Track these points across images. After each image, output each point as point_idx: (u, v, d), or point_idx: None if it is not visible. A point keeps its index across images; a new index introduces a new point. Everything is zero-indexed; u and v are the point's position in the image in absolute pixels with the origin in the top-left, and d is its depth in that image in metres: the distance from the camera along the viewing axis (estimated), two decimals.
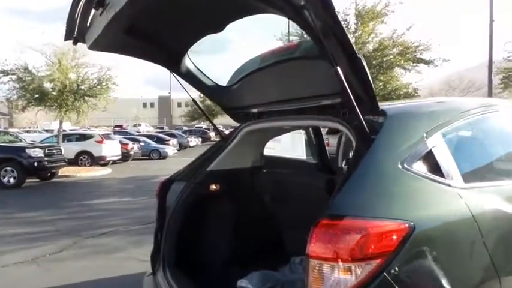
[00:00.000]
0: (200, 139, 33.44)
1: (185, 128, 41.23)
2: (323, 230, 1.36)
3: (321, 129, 3.79)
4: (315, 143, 3.79)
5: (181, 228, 2.58)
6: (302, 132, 4.23)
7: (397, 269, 1.32)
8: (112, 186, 11.85)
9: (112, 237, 5.75)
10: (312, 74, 1.99)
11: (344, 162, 3.80)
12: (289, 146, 4.13)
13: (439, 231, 1.48)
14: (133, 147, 19.35)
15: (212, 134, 38.24)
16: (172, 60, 2.44)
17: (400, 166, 1.55)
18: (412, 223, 1.38)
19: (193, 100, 2.77)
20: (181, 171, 2.74)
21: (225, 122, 20.48)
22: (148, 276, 2.57)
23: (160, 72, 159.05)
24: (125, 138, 20.88)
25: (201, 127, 43.06)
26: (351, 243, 1.33)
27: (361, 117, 1.61)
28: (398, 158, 1.58)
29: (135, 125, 45.50)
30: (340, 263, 1.32)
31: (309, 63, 1.99)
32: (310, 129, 3.40)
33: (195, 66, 2.54)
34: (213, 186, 2.73)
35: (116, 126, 40.51)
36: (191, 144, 29.44)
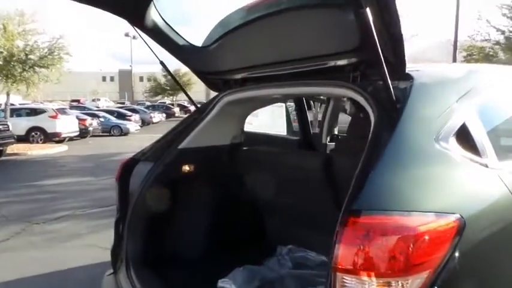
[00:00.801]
0: (164, 115, 32.26)
1: (148, 104, 39.64)
2: (354, 232, 0.99)
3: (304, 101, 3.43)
4: (299, 119, 3.44)
5: (148, 217, 2.15)
6: (283, 105, 3.84)
7: (449, 279, 0.99)
8: (68, 165, 10.99)
9: (67, 223, 5.18)
10: (315, 27, 1.58)
11: (329, 139, 3.48)
12: (269, 120, 3.74)
13: (489, 225, 1.16)
14: (92, 123, 18.20)
15: (177, 109, 37.07)
16: (136, 11, 1.93)
17: (435, 143, 1.22)
18: (461, 216, 1.05)
19: (162, 63, 2.28)
20: (146, 150, 2.28)
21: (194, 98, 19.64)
22: (108, 275, 2.14)
23: (121, 44, 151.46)
24: (83, 113, 19.63)
25: (165, 102, 41.57)
26: (390, 249, 0.97)
27: (390, 82, 1.25)
28: (432, 133, 1.25)
29: (93, 100, 43.35)
30: (377, 279, 0.97)
31: (312, 13, 1.57)
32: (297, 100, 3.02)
33: (163, 20, 2.04)
34: (186, 168, 2.30)
35: (73, 101, 38.28)
36: (154, 120, 28.34)
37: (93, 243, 4.23)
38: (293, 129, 4.12)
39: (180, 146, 2.24)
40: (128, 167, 2.19)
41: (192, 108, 3.34)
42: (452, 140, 1.26)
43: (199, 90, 19.49)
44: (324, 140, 3.48)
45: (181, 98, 42.44)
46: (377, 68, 1.27)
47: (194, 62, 2.29)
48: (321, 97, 4.15)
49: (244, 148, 2.60)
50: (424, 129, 1.26)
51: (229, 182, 2.54)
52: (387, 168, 1.14)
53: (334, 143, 3.35)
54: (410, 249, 0.96)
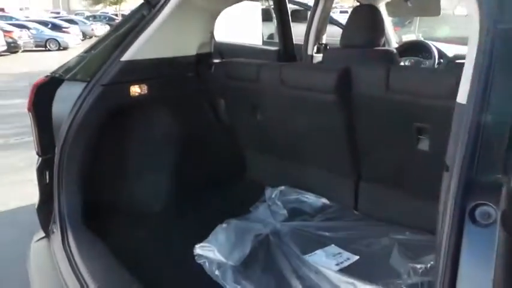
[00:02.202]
0: (107, 27, 29.01)
1: (87, 14, 35.25)
2: None
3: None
4: (279, 22, 2.71)
5: (86, 160, 1.51)
6: (258, 6, 3.03)
7: None
8: None
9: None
10: None
11: (315, 49, 2.83)
12: (242, 28, 2.95)
13: None
14: (22, 36, 15.74)
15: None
16: None
17: None
18: None
19: None
20: (73, 64, 1.54)
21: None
22: (37, 241, 1.54)
23: None
24: (9, 24, 16.85)
25: (107, 13, 37.17)
26: None
27: None
28: None
29: (21, 9, 37.75)
30: None
31: None
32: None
33: None
34: (136, 89, 1.61)
35: None
36: (97, 32, 25.34)
37: (30, 179, 3.51)
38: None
39: (124, 58, 1.52)
40: (45, 91, 1.47)
41: None
42: None
43: None
44: (309, 51, 2.82)
45: (126, 7, 38.10)
46: None
47: None
48: None
49: (216, 60, 1.91)
50: None
51: (196, 106, 1.90)
52: None
53: (321, 54, 2.71)
54: None
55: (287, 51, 2.80)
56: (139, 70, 1.58)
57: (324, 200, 1.77)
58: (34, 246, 1.54)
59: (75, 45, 18.50)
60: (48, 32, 18.32)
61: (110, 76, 1.49)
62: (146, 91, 1.64)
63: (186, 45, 1.77)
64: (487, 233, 0.59)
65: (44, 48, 17.20)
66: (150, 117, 1.74)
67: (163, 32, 1.60)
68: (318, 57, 2.78)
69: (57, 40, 17.84)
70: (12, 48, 14.85)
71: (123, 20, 1.68)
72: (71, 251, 1.37)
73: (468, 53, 0.72)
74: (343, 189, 1.72)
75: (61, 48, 17.58)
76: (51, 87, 1.48)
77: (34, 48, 16.60)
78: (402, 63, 2.60)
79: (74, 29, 21.10)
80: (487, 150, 0.63)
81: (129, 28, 1.58)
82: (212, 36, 1.92)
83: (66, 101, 1.47)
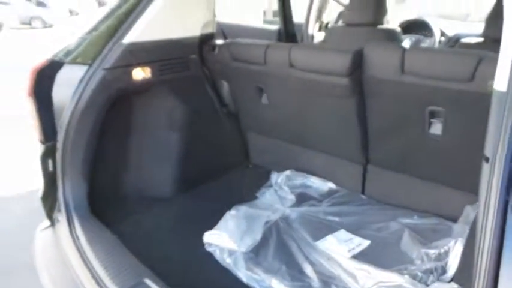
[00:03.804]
0: (96, 3, 28.01)
1: None
2: None
3: None
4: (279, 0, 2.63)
5: (90, 146, 1.47)
6: None
7: None
8: None
9: None
10: None
11: (317, 27, 2.76)
12: (241, 7, 2.85)
13: None
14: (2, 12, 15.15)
15: None
16: None
17: None
18: None
19: None
20: (73, 47, 1.47)
21: None
22: (42, 230, 1.51)
23: None
24: None
25: None
26: None
27: None
28: None
29: None
30: None
31: None
32: None
33: None
34: (140, 73, 1.55)
35: None
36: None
37: None
38: None
39: (126, 40, 1.45)
40: (45, 75, 1.40)
41: None
42: None
43: None
44: (310, 31, 2.75)
45: None
46: None
47: None
48: None
49: (219, 41, 1.84)
50: None
51: (201, 91, 1.85)
52: None
53: (323, 34, 2.65)
54: None
55: (287, 30, 2.73)
56: (142, 53, 1.52)
57: (331, 184, 1.76)
58: (40, 235, 1.51)
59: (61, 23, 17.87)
60: (33, 8, 17.63)
61: (112, 59, 1.43)
62: (149, 74, 1.58)
63: (189, 26, 1.70)
64: None
65: (29, 26, 16.62)
66: (152, 101, 1.69)
67: (165, 12, 1.54)
68: (320, 36, 2.72)
69: (41, 18, 17.22)
70: None
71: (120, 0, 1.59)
72: (78, 239, 1.35)
73: (506, 34, 0.69)
74: (350, 173, 1.71)
75: (47, 26, 17.01)
76: (51, 71, 1.41)
77: (20, 27, 16.03)
78: (404, 42, 2.56)
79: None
80: None
81: (130, 8, 1.51)
82: (214, 15, 1.85)
83: (67, 86, 1.41)
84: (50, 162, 1.46)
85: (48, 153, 1.45)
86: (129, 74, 1.51)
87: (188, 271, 1.28)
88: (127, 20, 1.47)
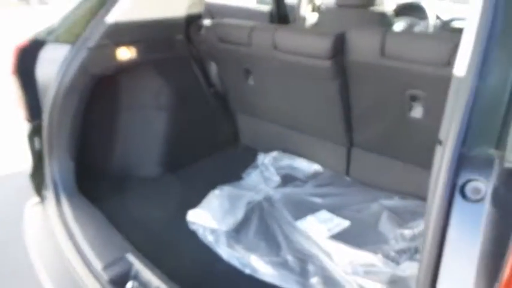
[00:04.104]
0: None
1: None
2: None
3: None
4: None
5: (75, 125, 1.49)
6: None
7: None
8: None
9: None
10: None
11: (310, 8, 2.72)
12: None
13: None
14: None
15: None
16: None
17: None
18: None
19: None
20: (56, 26, 1.46)
21: None
22: (31, 206, 1.54)
23: None
24: None
25: None
26: None
27: None
28: None
29: None
30: None
31: None
32: None
33: None
34: (124, 52, 1.55)
35: None
36: None
37: None
38: None
39: (110, 19, 1.44)
40: (28, 53, 1.40)
41: None
42: None
43: None
44: (301, 12, 2.72)
45: None
46: None
47: None
48: None
49: (209, 22, 1.83)
50: None
51: (187, 72, 1.85)
52: None
53: (316, 16, 2.62)
54: None
55: (279, 11, 2.69)
56: (126, 32, 1.51)
57: (316, 166, 1.79)
58: (29, 211, 1.54)
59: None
60: None
61: (95, 39, 1.43)
62: (134, 54, 1.58)
63: (175, 6, 1.68)
64: (476, 208, 0.60)
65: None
66: (138, 81, 1.69)
67: None
68: (312, 18, 2.69)
69: None
70: None
71: None
72: (64, 215, 1.38)
73: (468, 21, 0.69)
74: (335, 155, 1.73)
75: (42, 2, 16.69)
76: (34, 50, 1.41)
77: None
78: (397, 24, 2.54)
79: None
80: (482, 125, 0.63)
81: None
82: None
83: (50, 64, 1.41)
84: (37, 140, 1.48)
85: (35, 132, 1.46)
86: (113, 54, 1.51)
87: (170, 248, 1.31)
88: (109, 2, 1.45)
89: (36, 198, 1.55)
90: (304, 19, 2.74)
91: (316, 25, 2.32)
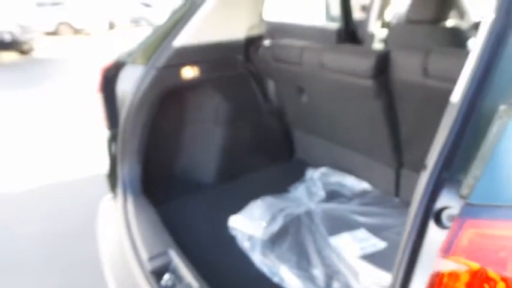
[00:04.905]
0: None
1: None
2: None
3: None
4: None
5: (143, 135, 1.72)
6: None
7: None
8: None
9: None
10: None
11: (380, 24, 2.69)
12: (301, 6, 2.92)
13: None
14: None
15: None
16: None
17: None
18: None
19: None
20: (134, 50, 1.73)
21: None
22: (105, 202, 1.83)
23: None
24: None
25: None
26: None
27: None
28: None
29: None
30: None
31: None
32: None
33: None
34: (188, 71, 1.75)
35: None
36: None
37: None
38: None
39: (176, 43, 1.66)
40: (111, 73, 1.68)
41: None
42: None
43: None
44: (369, 28, 2.69)
45: None
46: None
47: None
48: None
49: (266, 43, 1.96)
50: None
51: (246, 89, 1.99)
52: None
53: (385, 32, 2.57)
54: None
55: (347, 28, 2.70)
56: (190, 54, 1.71)
57: (366, 185, 1.76)
58: (102, 205, 1.83)
59: None
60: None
61: (163, 60, 1.65)
62: (197, 73, 1.77)
63: (235, 29, 1.84)
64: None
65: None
66: (200, 97, 1.88)
67: (212, 17, 1.70)
68: (382, 34, 2.64)
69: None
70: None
71: (177, 6, 1.81)
72: (127, 211, 1.61)
73: (472, 51, 0.69)
74: (384, 175, 1.69)
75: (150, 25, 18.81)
76: (116, 70, 1.69)
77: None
78: (471, 40, 2.36)
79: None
80: (466, 152, 0.62)
81: (181, 14, 1.71)
82: (262, 17, 1.97)
83: (127, 82, 1.67)
84: (113, 146, 1.75)
85: (112, 139, 1.74)
86: (178, 73, 1.72)
87: (209, 249, 1.44)
88: (177, 25, 1.67)
89: (110, 195, 1.83)
90: (372, 36, 2.71)
91: (384, 42, 2.28)
